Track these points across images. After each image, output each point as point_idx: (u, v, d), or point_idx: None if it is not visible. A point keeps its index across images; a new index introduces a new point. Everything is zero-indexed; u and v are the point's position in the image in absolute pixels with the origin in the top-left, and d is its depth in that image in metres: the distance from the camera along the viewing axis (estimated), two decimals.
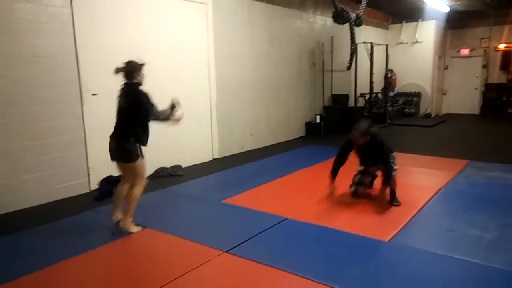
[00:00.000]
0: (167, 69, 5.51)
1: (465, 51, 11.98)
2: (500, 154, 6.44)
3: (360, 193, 4.14)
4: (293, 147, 7.43)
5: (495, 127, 9.88)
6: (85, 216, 3.83)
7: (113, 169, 4.75)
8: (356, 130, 3.84)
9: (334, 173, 4.08)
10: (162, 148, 5.53)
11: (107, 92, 4.73)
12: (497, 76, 11.60)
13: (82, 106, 4.52)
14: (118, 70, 3.27)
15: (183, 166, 5.76)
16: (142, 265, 2.80)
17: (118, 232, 3.32)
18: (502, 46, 11.20)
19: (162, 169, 5.42)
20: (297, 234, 3.26)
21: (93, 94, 4.60)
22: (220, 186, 4.89)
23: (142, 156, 3.34)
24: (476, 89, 11.97)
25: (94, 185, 4.67)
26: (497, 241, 3.06)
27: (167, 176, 5.32)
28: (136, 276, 2.63)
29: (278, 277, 2.57)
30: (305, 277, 2.52)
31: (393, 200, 3.95)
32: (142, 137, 3.33)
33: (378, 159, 3.94)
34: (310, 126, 8.75)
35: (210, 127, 6.37)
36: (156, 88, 5.37)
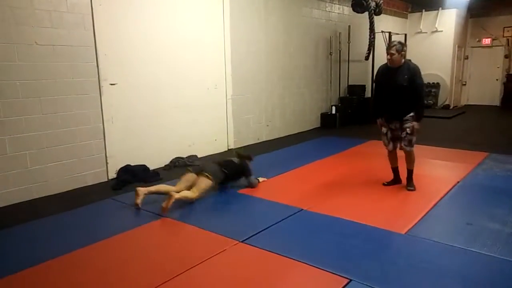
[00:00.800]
0: (183, 60, 5.53)
1: (486, 41, 11.65)
2: None
3: (390, 148, 4.13)
4: (308, 138, 7.40)
5: None
6: (103, 204, 3.90)
7: (130, 158, 4.88)
8: (390, 46, 3.84)
9: (376, 113, 4.14)
10: (178, 138, 5.58)
11: (125, 81, 4.80)
12: None
13: (100, 96, 4.58)
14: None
15: (199, 156, 5.81)
16: (159, 253, 2.85)
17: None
18: None
19: (178, 159, 5.47)
20: (313, 225, 3.26)
21: (111, 84, 4.66)
22: None
23: None
24: (497, 79, 11.66)
25: (112, 174, 4.76)
26: None
27: (183, 166, 5.36)
28: (153, 264, 2.68)
29: (293, 267, 2.59)
30: (320, 268, 2.53)
31: (409, 184, 3.99)
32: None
33: (407, 100, 3.84)
34: (325, 117, 8.68)
35: (225, 118, 6.38)
36: (172, 79, 5.46)
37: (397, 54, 3.79)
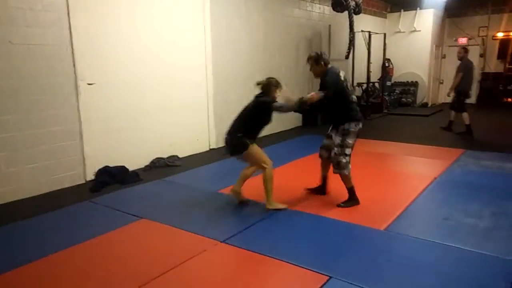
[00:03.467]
0: (163, 59, 5.47)
1: (462, 40, 11.92)
2: (496, 143, 6.47)
3: (321, 154, 3.86)
4: (290, 137, 7.43)
5: (491, 116, 9.90)
6: (80, 207, 3.83)
7: (109, 160, 4.79)
8: (307, 59, 3.67)
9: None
10: (159, 138, 5.52)
11: (103, 81, 4.71)
12: (494, 65, 11.59)
13: (77, 96, 4.48)
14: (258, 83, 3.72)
15: (180, 156, 5.76)
16: (137, 255, 2.81)
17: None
18: (500, 34, 11.16)
19: (158, 159, 5.42)
20: (293, 223, 3.28)
21: (89, 84, 4.57)
22: (217, 176, 4.89)
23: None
24: (474, 78, 11.93)
25: (90, 176, 4.67)
26: (490, 229, 3.09)
27: (164, 166, 5.32)
28: (132, 267, 2.64)
29: (274, 266, 2.60)
30: (300, 266, 2.54)
31: (346, 201, 3.61)
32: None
33: (334, 108, 3.58)
34: (307, 116, 8.72)
35: (207, 117, 6.35)
36: (152, 79, 5.40)
37: (315, 65, 3.60)
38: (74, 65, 4.41)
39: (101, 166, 4.71)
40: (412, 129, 8.21)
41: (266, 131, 7.70)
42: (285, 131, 8.07)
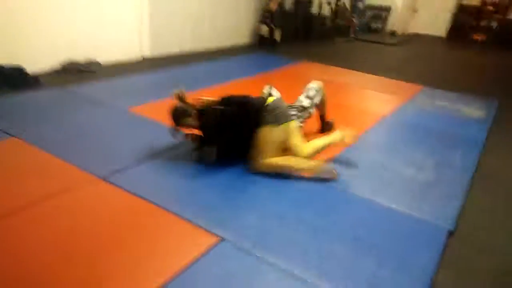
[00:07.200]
0: None
1: None
2: (457, 81, 6.05)
3: None
4: (240, 53, 6.61)
5: (458, 52, 9.42)
6: None
7: (3, 56, 3.83)
8: None
9: None
10: (74, 35, 4.55)
11: None
12: None
13: None
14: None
15: (102, 62, 4.86)
16: None
17: None
18: None
19: (71, 63, 4.50)
20: (199, 169, 2.68)
21: None
22: (137, 90, 4.07)
23: None
24: (448, 9, 11.18)
25: None
26: (429, 184, 2.66)
27: (76, 73, 4.44)
28: None
29: (157, 216, 2.03)
30: (190, 222, 2.00)
31: None
32: None
33: None
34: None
35: (140, 16, 5.31)
36: None
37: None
38: None
39: None
40: (376, 58, 7.59)
41: (213, 43, 6.79)
42: (236, 46, 7.19)
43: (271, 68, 5.54)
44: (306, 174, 2.52)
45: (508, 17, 10.41)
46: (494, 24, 10.72)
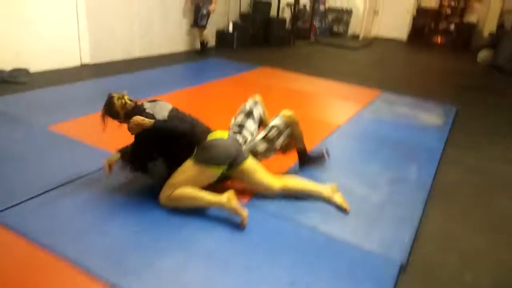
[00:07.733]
0: None
1: None
2: (416, 86, 5.94)
3: None
4: (194, 58, 6.26)
5: (418, 56, 9.42)
6: None
7: None
8: None
9: None
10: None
11: None
12: (432, 1, 10.90)
13: None
14: None
15: (32, 71, 4.37)
16: None
17: None
18: None
19: None
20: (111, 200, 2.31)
21: None
22: (64, 103, 3.59)
23: None
24: (408, 12, 11.22)
25: None
26: (382, 205, 2.40)
27: (1, 82, 3.95)
28: None
29: (45, 266, 1.64)
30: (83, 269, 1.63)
31: None
32: None
33: None
34: (221, 36, 7.47)
35: (76, 18, 4.84)
36: None
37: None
38: None
39: None
40: (336, 62, 7.41)
41: (164, 48, 6.41)
42: (191, 51, 6.81)
43: (225, 75, 5.20)
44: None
45: (464, 20, 10.55)
46: (451, 27, 10.84)
